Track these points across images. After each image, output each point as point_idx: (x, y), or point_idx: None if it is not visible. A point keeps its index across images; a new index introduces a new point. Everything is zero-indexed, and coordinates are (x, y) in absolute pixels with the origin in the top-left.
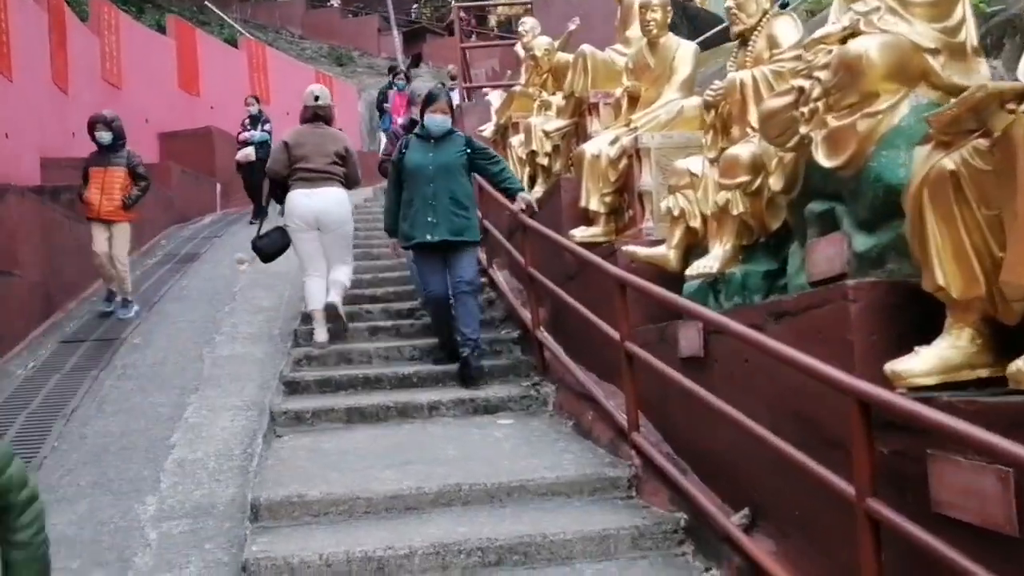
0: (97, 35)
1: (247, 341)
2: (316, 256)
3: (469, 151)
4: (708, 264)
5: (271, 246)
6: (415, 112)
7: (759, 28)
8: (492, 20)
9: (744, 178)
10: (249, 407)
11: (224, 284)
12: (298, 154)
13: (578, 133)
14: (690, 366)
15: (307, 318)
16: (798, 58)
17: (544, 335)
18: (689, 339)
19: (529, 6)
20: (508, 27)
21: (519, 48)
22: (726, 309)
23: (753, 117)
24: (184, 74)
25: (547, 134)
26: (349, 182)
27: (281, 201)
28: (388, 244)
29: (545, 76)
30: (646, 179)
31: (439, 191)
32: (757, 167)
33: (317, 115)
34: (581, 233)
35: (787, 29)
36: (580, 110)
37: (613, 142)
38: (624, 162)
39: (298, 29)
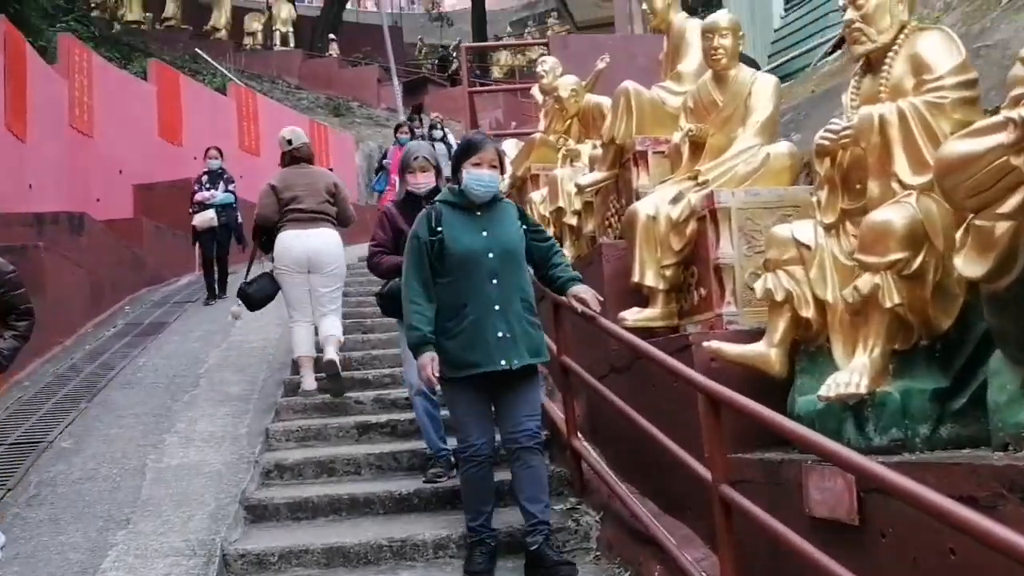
0: (65, 78)
1: (205, 444)
2: (305, 301)
3: (524, 227)
4: (850, 381)
5: (259, 292)
6: (413, 182)
7: (895, 47)
8: (495, 71)
9: (899, 255)
10: (195, 549)
11: (189, 363)
12: (287, 196)
13: (619, 188)
14: (828, 531)
15: (282, 412)
16: (966, 85)
17: (583, 444)
18: (829, 493)
19: (544, 49)
20: (511, 77)
21: (536, 91)
22: (893, 460)
23: (902, 167)
24: (165, 122)
25: (579, 188)
26: (341, 221)
27: (269, 249)
28: (400, 363)
29: (569, 122)
30: (725, 248)
31: (508, 290)
32: (917, 239)
33: (295, 157)
34: (634, 317)
35: (941, 47)
36: (622, 160)
37: (675, 200)
38: (692, 226)
39: (295, 79)
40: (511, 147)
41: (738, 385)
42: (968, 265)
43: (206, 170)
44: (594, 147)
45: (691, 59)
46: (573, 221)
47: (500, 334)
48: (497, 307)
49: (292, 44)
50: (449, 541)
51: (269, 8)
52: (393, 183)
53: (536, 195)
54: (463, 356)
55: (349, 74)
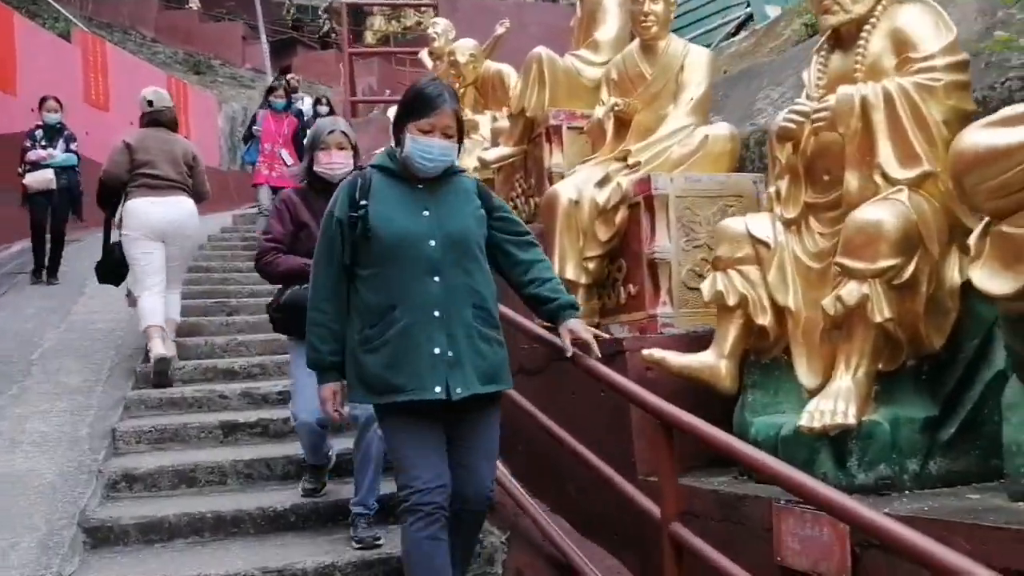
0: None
1: (35, 449)
2: (157, 270)
3: (487, 211)
4: (836, 409)
5: (110, 262)
6: (327, 162)
7: (872, 19)
8: (369, 36)
9: (891, 261)
10: None
11: (19, 346)
12: (142, 159)
13: (527, 165)
14: None
15: (132, 408)
16: (958, 67)
17: None
18: (812, 543)
19: (432, 12)
20: (386, 43)
21: (425, 56)
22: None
23: (887, 158)
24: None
25: (483, 164)
26: (198, 195)
27: (114, 214)
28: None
29: (463, 90)
30: (662, 241)
31: (455, 292)
32: (911, 244)
33: (157, 121)
34: None
35: (927, 22)
36: (531, 135)
37: (602, 183)
38: (622, 213)
39: (150, 31)
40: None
41: (666, 394)
42: (990, 279)
43: (41, 123)
44: (494, 119)
45: (609, 26)
46: None
47: (437, 350)
48: (437, 313)
49: None
50: (334, 569)
51: None
52: (272, 155)
53: None
54: (385, 376)
55: (212, 29)
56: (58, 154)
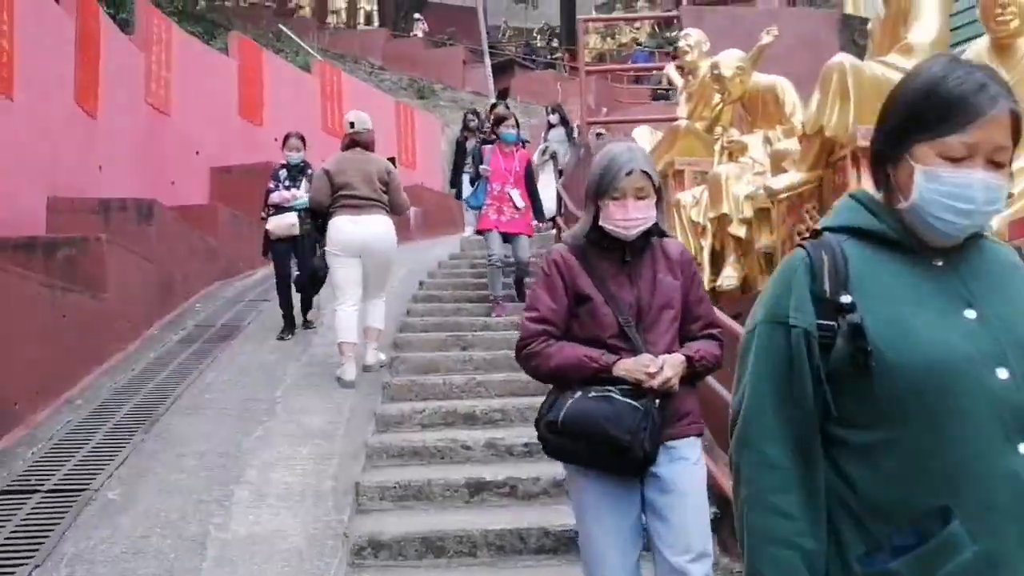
0: (143, 50)
1: (281, 504)
2: (353, 285)
3: None
4: None
5: (308, 270)
6: (621, 218)
7: None
8: (586, 55)
9: None
10: None
11: (264, 380)
12: (340, 181)
13: (821, 195)
14: None
15: (374, 457)
16: None
17: None
18: None
19: (674, 19)
20: (601, 61)
21: (671, 71)
22: None
23: None
24: (246, 100)
25: (770, 193)
26: (394, 208)
27: (324, 231)
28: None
29: (719, 107)
30: None
31: None
32: None
33: (355, 142)
34: None
35: None
36: (832, 158)
37: None
38: None
39: (379, 59)
40: (644, 136)
41: None
42: None
43: (284, 163)
44: (767, 140)
45: (926, 25)
46: (741, 232)
47: None
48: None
49: (376, 23)
50: None
51: None
52: (501, 196)
53: (685, 196)
54: None
55: (434, 55)
56: (302, 194)
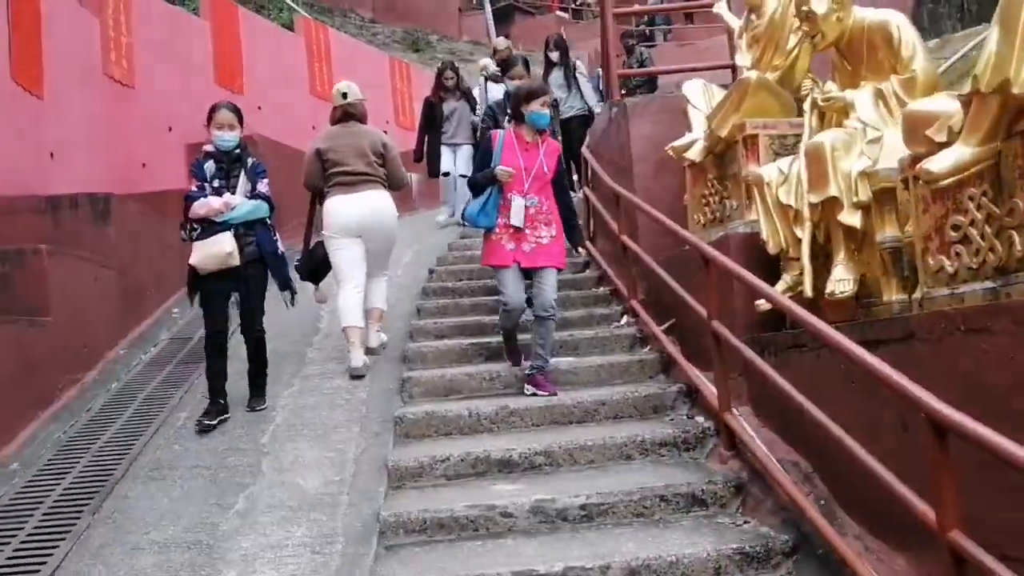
0: (96, 14)
1: None
2: (355, 267)
3: None
4: None
5: (312, 262)
6: None
7: None
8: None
9: None
10: None
11: (248, 419)
12: (332, 158)
13: (998, 175)
14: None
15: (388, 535)
16: None
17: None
18: None
19: None
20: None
21: (723, 9)
22: None
23: None
24: (222, 65)
25: (930, 177)
26: (392, 183)
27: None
28: None
29: (794, 53)
30: None
31: None
32: None
33: (348, 113)
34: None
35: None
36: (1014, 127)
37: None
38: None
39: (368, 12)
40: (696, 91)
41: None
42: None
43: (209, 150)
44: (880, 97)
45: None
46: (855, 221)
47: None
48: None
49: None
50: None
51: None
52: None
53: (768, 171)
54: None
55: (428, 3)
56: (238, 202)
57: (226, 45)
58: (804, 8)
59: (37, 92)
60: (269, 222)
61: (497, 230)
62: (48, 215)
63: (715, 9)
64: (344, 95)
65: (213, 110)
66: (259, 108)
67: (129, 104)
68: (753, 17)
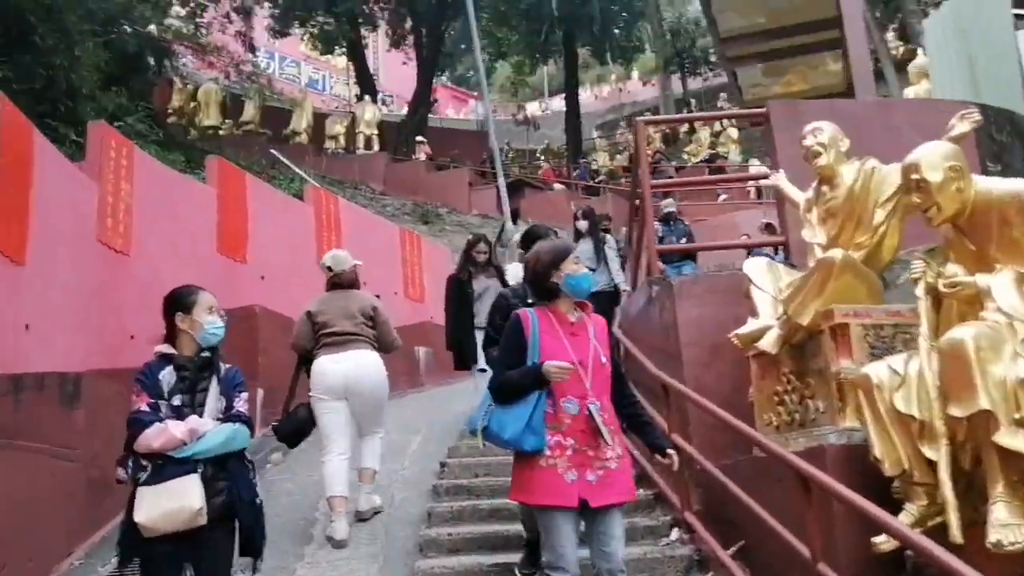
0: (95, 179)
1: None
2: (340, 433)
3: None
4: None
5: (292, 424)
6: None
7: None
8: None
9: None
10: None
11: None
12: (321, 321)
13: None
14: None
15: None
16: None
17: None
18: None
19: (761, 117)
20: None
21: (780, 180)
22: None
23: None
24: (226, 234)
25: None
26: (382, 345)
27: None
28: None
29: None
30: None
31: None
32: None
33: (337, 284)
34: None
35: None
36: None
37: None
38: None
39: (379, 184)
40: (759, 268)
41: None
42: None
43: (165, 351)
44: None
45: None
46: (1019, 444)
47: None
48: None
49: (376, 148)
50: None
51: (352, 113)
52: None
53: (875, 370)
54: None
55: (438, 178)
56: (210, 424)
57: (231, 213)
58: (914, 176)
59: (18, 258)
60: (248, 457)
61: (548, 452)
62: (9, 397)
63: (773, 180)
64: (330, 268)
65: (189, 294)
66: (262, 278)
67: (122, 272)
68: (825, 189)
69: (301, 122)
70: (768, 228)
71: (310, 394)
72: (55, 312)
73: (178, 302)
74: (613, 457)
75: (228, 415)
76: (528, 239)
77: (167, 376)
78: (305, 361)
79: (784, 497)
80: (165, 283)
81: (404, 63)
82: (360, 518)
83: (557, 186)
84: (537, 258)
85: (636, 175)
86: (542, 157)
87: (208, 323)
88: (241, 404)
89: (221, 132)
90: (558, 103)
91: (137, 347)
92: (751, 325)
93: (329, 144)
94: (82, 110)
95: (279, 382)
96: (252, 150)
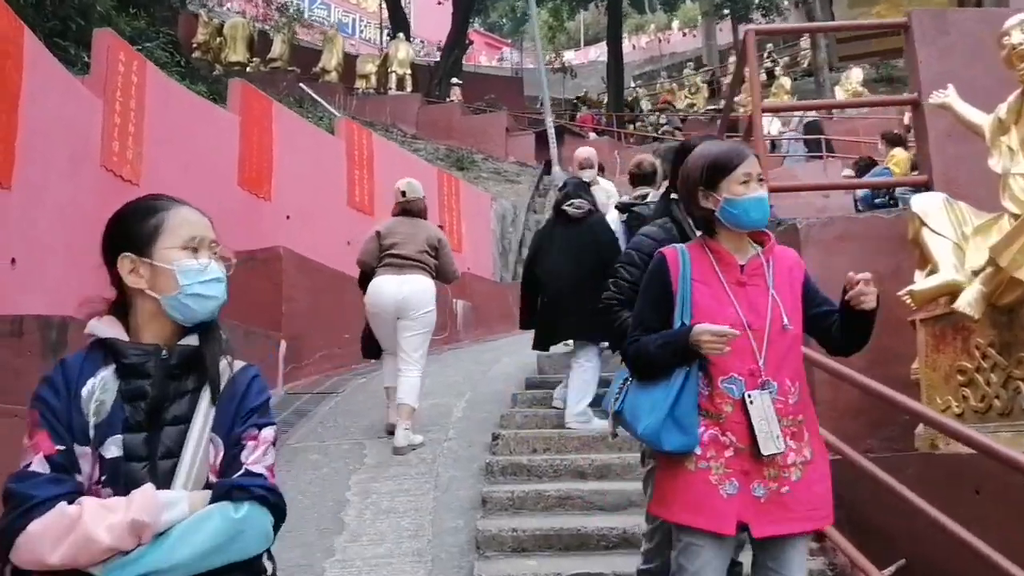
0: (100, 96)
1: None
2: (393, 337)
3: None
4: None
5: (372, 338)
6: None
7: None
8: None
9: None
10: None
11: None
12: (388, 243)
13: None
14: None
15: None
16: None
17: None
18: None
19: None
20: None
21: (951, 98)
22: None
23: None
24: (248, 167)
25: None
26: (441, 274)
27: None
28: None
29: None
30: None
31: None
32: None
33: (406, 210)
34: None
35: None
36: None
37: None
38: None
39: (411, 127)
40: (934, 207)
41: None
42: None
43: (105, 336)
44: None
45: None
46: None
47: None
48: None
49: (409, 89)
50: None
51: (385, 52)
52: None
53: None
54: None
55: (473, 122)
56: (179, 509)
57: (255, 143)
58: None
59: (1, 181)
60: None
61: (700, 452)
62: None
63: (937, 98)
64: (403, 192)
65: (148, 212)
66: (287, 217)
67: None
68: None
69: (331, 60)
70: (891, 142)
71: (366, 308)
72: (48, 247)
73: (126, 231)
74: (796, 463)
75: (225, 481)
76: (683, 154)
77: (101, 385)
78: (367, 278)
79: (971, 507)
80: None
81: (439, 2)
82: (397, 453)
83: (592, 135)
84: (687, 172)
85: (730, 97)
86: (580, 105)
87: (188, 271)
88: (257, 454)
89: (248, 69)
90: (592, 52)
91: None
92: (932, 280)
93: (360, 83)
94: (94, 27)
95: (304, 332)
96: (280, 87)
